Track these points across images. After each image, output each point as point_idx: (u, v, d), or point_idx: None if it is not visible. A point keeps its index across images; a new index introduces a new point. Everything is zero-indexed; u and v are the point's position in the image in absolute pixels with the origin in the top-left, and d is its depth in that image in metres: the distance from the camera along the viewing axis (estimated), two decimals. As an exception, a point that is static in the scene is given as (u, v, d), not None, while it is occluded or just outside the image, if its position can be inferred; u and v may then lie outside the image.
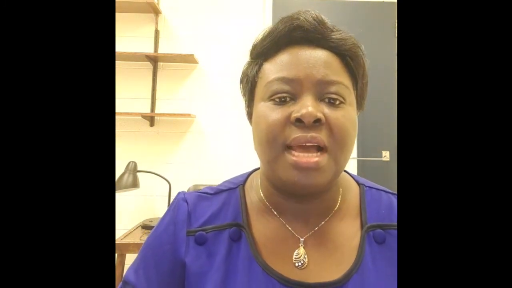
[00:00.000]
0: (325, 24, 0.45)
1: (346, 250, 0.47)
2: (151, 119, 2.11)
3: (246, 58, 0.51)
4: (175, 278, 0.47)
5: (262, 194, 0.51)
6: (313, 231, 0.48)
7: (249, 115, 0.51)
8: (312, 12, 0.46)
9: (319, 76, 0.43)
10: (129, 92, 2.11)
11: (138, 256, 0.51)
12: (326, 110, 0.43)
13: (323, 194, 0.48)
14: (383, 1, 2.23)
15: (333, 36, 0.45)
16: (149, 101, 2.12)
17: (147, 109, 2.12)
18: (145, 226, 1.73)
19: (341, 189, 0.51)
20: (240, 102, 0.52)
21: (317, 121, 0.41)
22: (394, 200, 0.52)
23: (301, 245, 0.47)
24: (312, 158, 0.41)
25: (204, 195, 0.53)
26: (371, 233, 0.48)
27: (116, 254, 1.56)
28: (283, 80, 0.43)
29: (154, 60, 2.10)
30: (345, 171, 0.54)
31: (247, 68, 0.51)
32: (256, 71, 0.48)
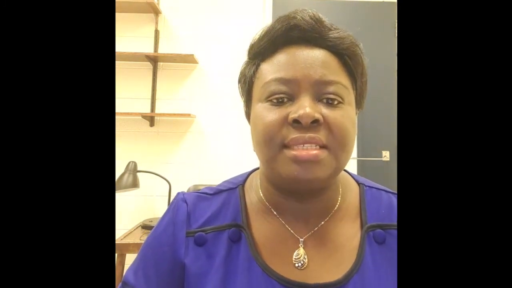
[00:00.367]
0: (322, 23, 0.45)
1: (346, 251, 0.47)
2: (151, 119, 2.10)
3: (245, 58, 0.51)
4: (174, 279, 0.47)
5: (261, 194, 0.51)
6: (313, 231, 0.48)
7: (248, 115, 0.51)
8: (309, 11, 0.45)
9: (317, 76, 0.42)
10: (129, 92, 2.11)
11: (138, 257, 0.51)
12: (324, 110, 0.42)
13: (322, 193, 0.47)
14: (383, 1, 2.23)
15: (331, 35, 0.44)
16: (149, 101, 2.12)
17: (147, 109, 2.12)
18: (145, 226, 1.73)
19: (340, 189, 0.51)
20: (240, 102, 0.52)
21: (315, 121, 0.41)
22: (394, 200, 0.52)
23: (301, 246, 0.47)
24: (312, 151, 0.41)
25: (203, 195, 0.53)
26: (371, 233, 0.48)
27: (116, 254, 1.56)
28: (280, 80, 0.43)
29: (154, 60, 2.10)
30: (345, 170, 0.54)
31: (244, 68, 0.50)
32: (254, 71, 0.48)
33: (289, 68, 0.43)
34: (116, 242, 1.54)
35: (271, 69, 0.45)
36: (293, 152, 0.41)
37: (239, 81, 0.51)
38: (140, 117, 2.07)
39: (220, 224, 0.49)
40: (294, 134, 0.41)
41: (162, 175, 1.85)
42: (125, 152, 2.05)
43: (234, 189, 0.53)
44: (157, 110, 2.12)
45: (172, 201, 0.53)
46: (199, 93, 2.14)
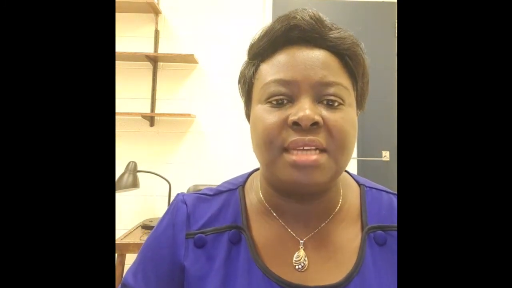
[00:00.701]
0: (323, 23, 0.44)
1: (347, 252, 0.46)
2: (151, 119, 2.10)
3: (245, 58, 0.51)
4: (174, 281, 0.47)
5: (261, 196, 0.50)
6: (313, 233, 0.48)
7: (248, 116, 0.51)
8: (310, 10, 0.44)
9: (317, 78, 0.42)
10: (129, 92, 2.11)
11: (137, 258, 0.50)
12: (324, 112, 0.42)
13: (323, 195, 0.47)
14: (383, 1, 2.23)
15: (331, 35, 0.44)
16: (149, 101, 2.12)
17: (147, 109, 2.12)
18: (145, 226, 1.73)
19: (341, 190, 0.51)
20: (240, 102, 0.52)
21: (315, 124, 0.40)
22: (395, 201, 0.52)
23: (301, 248, 0.46)
24: (311, 156, 0.40)
25: (203, 196, 0.52)
26: (371, 235, 0.47)
27: (116, 254, 1.56)
28: (280, 82, 0.43)
29: (154, 60, 2.10)
30: (345, 171, 0.53)
31: (244, 69, 0.50)
32: (253, 72, 0.47)
33: (289, 69, 0.43)
34: (116, 242, 1.54)
35: (271, 70, 0.44)
36: (293, 157, 0.41)
37: (239, 82, 0.51)
38: (140, 117, 2.07)
39: (220, 226, 0.49)
40: (294, 137, 0.41)
41: (162, 175, 1.85)
42: (125, 152, 2.05)
43: (234, 190, 0.53)
44: (157, 110, 2.12)
45: (172, 202, 0.53)
46: (199, 93, 2.14)
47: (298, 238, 0.47)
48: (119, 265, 1.57)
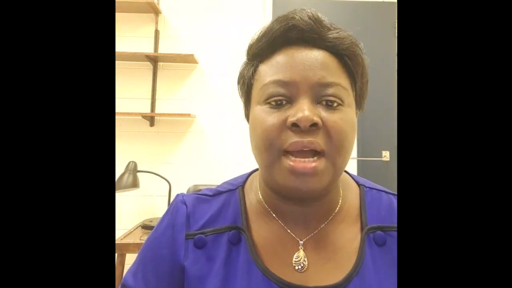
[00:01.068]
0: (321, 23, 0.44)
1: (346, 253, 0.46)
2: (151, 119, 2.10)
3: (244, 58, 0.51)
4: (174, 281, 0.47)
5: (261, 196, 0.50)
6: (312, 234, 0.47)
7: (247, 116, 0.51)
8: (308, 10, 0.44)
9: (316, 79, 0.42)
10: (129, 92, 2.11)
11: (137, 259, 0.50)
12: (323, 113, 0.42)
13: (322, 197, 0.47)
14: (383, 1, 2.23)
15: (330, 36, 0.44)
16: (149, 101, 2.12)
17: (147, 109, 2.12)
18: (145, 226, 1.73)
19: (341, 191, 0.51)
20: (240, 102, 0.52)
21: (314, 125, 0.40)
22: (395, 201, 0.52)
23: (301, 248, 0.46)
24: (309, 163, 0.40)
25: (203, 197, 0.52)
26: (371, 235, 0.47)
27: (116, 254, 1.56)
28: (279, 83, 0.42)
29: (154, 60, 2.10)
30: (345, 171, 0.53)
31: (243, 69, 0.50)
32: (252, 73, 0.47)
33: (288, 70, 0.43)
34: (116, 242, 1.54)
35: (270, 71, 0.44)
36: (291, 163, 0.40)
37: (238, 82, 0.51)
38: (140, 117, 2.07)
39: (220, 226, 0.49)
40: (293, 139, 0.41)
41: (162, 175, 1.85)
42: (125, 152, 2.05)
43: (234, 190, 0.53)
44: (157, 110, 2.12)
45: (172, 203, 0.53)
46: (199, 93, 2.14)
47: (298, 239, 0.47)
48: (119, 265, 1.57)
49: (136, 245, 1.53)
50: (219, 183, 0.57)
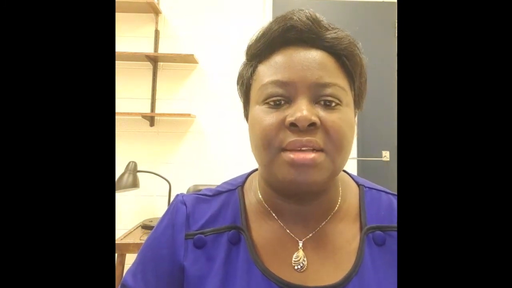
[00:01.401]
0: (319, 23, 0.44)
1: (346, 253, 0.46)
2: (151, 119, 2.10)
3: (244, 59, 0.51)
4: (173, 281, 0.47)
5: (260, 196, 0.50)
6: (312, 234, 0.48)
7: (246, 117, 0.51)
8: (306, 11, 0.44)
9: (314, 79, 0.42)
10: (129, 92, 2.11)
11: (137, 259, 0.50)
12: (322, 113, 0.42)
13: (322, 195, 0.47)
14: (383, 1, 2.23)
15: (328, 36, 0.44)
16: (149, 101, 2.12)
17: (147, 109, 2.12)
18: (145, 226, 1.73)
19: (340, 190, 0.51)
20: (240, 102, 0.52)
21: (312, 124, 0.41)
22: (394, 201, 0.52)
23: (300, 248, 0.47)
24: (309, 154, 0.41)
25: (202, 197, 0.53)
26: (370, 235, 0.47)
27: (116, 254, 1.56)
28: (277, 83, 0.43)
29: (154, 60, 2.10)
30: (344, 171, 0.53)
31: (242, 70, 0.50)
32: (251, 73, 0.47)
33: (286, 70, 0.43)
34: (116, 242, 1.54)
35: (268, 71, 0.44)
36: (291, 155, 0.41)
37: (237, 83, 0.51)
38: (140, 117, 2.07)
39: (220, 226, 0.49)
40: (291, 138, 0.41)
41: (162, 175, 1.85)
42: (125, 152, 2.05)
43: (233, 190, 0.53)
44: (157, 110, 2.12)
45: (171, 203, 0.53)
46: (199, 93, 2.14)
47: (297, 239, 0.47)
48: (119, 265, 1.57)
49: (136, 245, 1.53)
50: (219, 183, 0.57)
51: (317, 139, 0.41)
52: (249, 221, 0.50)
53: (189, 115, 2.01)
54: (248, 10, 2.17)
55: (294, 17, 0.44)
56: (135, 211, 2.05)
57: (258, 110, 0.44)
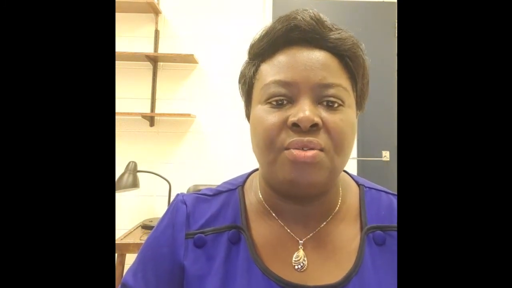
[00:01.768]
0: (323, 24, 0.44)
1: (346, 252, 0.46)
2: (151, 119, 2.10)
3: (246, 58, 0.51)
4: (174, 281, 0.47)
5: (260, 196, 0.50)
6: (312, 234, 0.48)
7: (248, 116, 0.51)
8: (310, 11, 0.44)
9: (317, 79, 0.42)
10: (129, 92, 2.11)
11: (137, 258, 0.50)
12: (324, 113, 0.42)
13: (322, 196, 0.47)
14: (383, 1, 2.23)
15: (332, 36, 0.44)
16: (149, 101, 2.12)
17: (147, 109, 2.12)
18: (145, 226, 1.73)
19: (340, 190, 0.51)
20: (240, 102, 0.52)
21: (314, 125, 0.41)
22: (394, 201, 0.52)
23: (301, 248, 0.47)
24: (309, 152, 0.40)
25: (203, 197, 0.53)
26: (370, 235, 0.47)
27: (116, 254, 1.56)
28: (280, 83, 0.43)
29: (154, 60, 2.10)
30: (345, 171, 0.53)
31: (244, 69, 0.50)
32: (253, 72, 0.47)
33: (289, 70, 0.43)
34: (116, 242, 1.54)
35: (271, 71, 0.44)
36: (293, 152, 0.41)
37: (239, 82, 0.51)
38: (140, 117, 2.07)
39: (220, 226, 0.49)
40: (293, 138, 0.41)
41: (162, 175, 1.85)
42: (125, 152, 2.05)
43: (234, 190, 0.53)
44: (157, 110, 2.12)
45: (171, 203, 0.53)
46: (199, 93, 2.14)
47: (298, 238, 0.47)
48: (119, 265, 1.57)
49: (136, 245, 1.53)
50: (219, 183, 0.57)
51: (319, 139, 0.41)
52: (249, 221, 0.50)
53: (189, 115, 2.01)
54: (248, 10, 2.17)
55: (298, 17, 0.44)
56: (135, 211, 2.05)
57: (260, 109, 0.44)
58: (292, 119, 0.41)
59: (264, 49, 0.46)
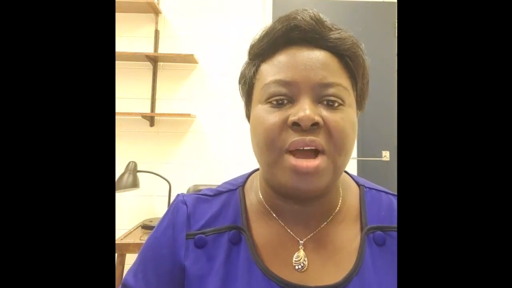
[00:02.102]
0: (323, 23, 0.45)
1: (346, 253, 0.46)
2: (151, 119, 2.10)
3: (246, 58, 0.51)
4: (174, 281, 0.47)
5: (261, 196, 0.50)
6: (313, 234, 0.48)
7: (248, 116, 0.51)
8: (310, 11, 0.45)
9: (317, 79, 0.42)
10: (129, 92, 2.11)
11: (137, 259, 0.50)
12: (325, 112, 0.42)
13: (323, 197, 0.47)
14: (383, 1, 2.23)
15: (331, 36, 0.44)
16: (149, 101, 2.12)
17: (147, 109, 2.12)
18: (145, 226, 1.73)
19: (341, 191, 0.51)
20: (240, 102, 0.52)
21: (315, 124, 0.41)
22: (395, 201, 0.52)
23: (301, 248, 0.47)
24: (311, 162, 0.41)
25: (203, 197, 0.53)
26: (371, 235, 0.47)
27: (116, 254, 1.56)
28: (280, 82, 0.43)
29: (154, 60, 2.10)
30: (345, 171, 0.53)
31: (245, 69, 0.50)
32: (254, 72, 0.47)
33: (289, 70, 0.43)
34: (116, 242, 1.54)
35: (271, 71, 0.44)
36: (293, 162, 0.41)
37: (239, 82, 0.51)
38: (140, 117, 2.07)
39: (220, 226, 0.49)
40: (294, 137, 0.41)
41: (162, 175, 1.85)
42: (125, 152, 2.05)
43: (234, 190, 0.53)
44: (157, 110, 2.12)
45: (172, 203, 0.53)
46: (199, 93, 2.14)
47: (298, 239, 0.47)
48: (119, 265, 1.56)
49: (136, 245, 1.53)
50: (219, 183, 0.57)
51: (320, 139, 0.41)
52: (250, 221, 0.50)
53: (189, 115, 2.01)
54: (248, 10, 2.17)
55: (298, 17, 0.44)
56: (135, 211, 2.05)
57: (260, 109, 0.44)
58: (292, 118, 0.41)
59: (264, 49, 0.46)
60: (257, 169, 0.54)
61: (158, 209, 2.07)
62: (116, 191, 1.65)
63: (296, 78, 0.42)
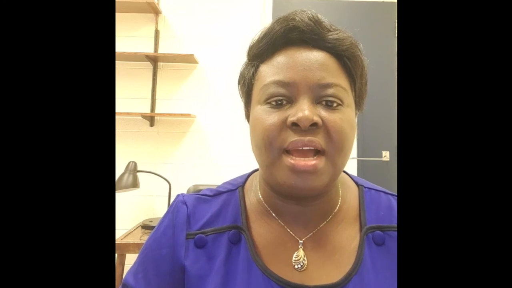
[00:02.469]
0: (321, 24, 0.45)
1: (346, 252, 0.46)
2: (151, 119, 2.11)
3: (245, 59, 0.51)
4: (174, 281, 0.47)
5: (260, 196, 0.51)
6: (312, 233, 0.48)
7: (247, 117, 0.51)
8: (309, 12, 0.45)
9: (316, 79, 0.42)
10: (129, 92, 2.11)
11: (137, 259, 0.51)
12: (323, 113, 0.42)
13: (322, 196, 0.47)
14: (383, 1, 2.23)
15: (330, 37, 0.44)
16: (149, 101, 2.12)
17: (147, 109, 2.12)
18: (145, 226, 1.73)
19: (340, 191, 0.51)
20: (241, 102, 0.52)
21: (314, 124, 0.41)
22: (394, 201, 0.52)
23: (301, 247, 0.47)
24: (310, 161, 0.41)
25: (203, 197, 0.53)
26: (370, 235, 0.48)
27: (116, 254, 1.56)
28: (279, 83, 0.43)
29: (154, 60, 2.10)
30: (344, 171, 0.54)
31: (244, 70, 0.50)
32: (253, 73, 0.48)
33: (288, 70, 0.43)
34: (116, 242, 1.54)
35: (270, 71, 0.45)
36: (292, 161, 0.41)
37: (239, 82, 0.51)
38: (140, 117, 2.07)
39: (220, 226, 0.49)
40: (293, 138, 0.41)
41: (162, 175, 1.85)
42: (125, 152, 2.05)
43: (234, 190, 0.53)
44: (157, 110, 2.12)
45: (172, 203, 0.53)
46: (199, 93, 2.14)
47: (298, 238, 0.47)
48: (119, 265, 1.57)
49: (136, 245, 1.53)
50: (219, 183, 0.57)
51: (319, 139, 0.41)
52: (250, 221, 0.50)
53: (189, 115, 2.01)
54: (248, 10, 2.17)
55: (297, 18, 0.44)
56: (135, 211, 2.05)
57: (259, 110, 0.44)
58: (291, 118, 0.41)
59: (263, 50, 0.46)
60: (257, 169, 0.55)
61: (158, 209, 2.07)
62: (116, 191, 1.65)
63: (295, 79, 0.43)
